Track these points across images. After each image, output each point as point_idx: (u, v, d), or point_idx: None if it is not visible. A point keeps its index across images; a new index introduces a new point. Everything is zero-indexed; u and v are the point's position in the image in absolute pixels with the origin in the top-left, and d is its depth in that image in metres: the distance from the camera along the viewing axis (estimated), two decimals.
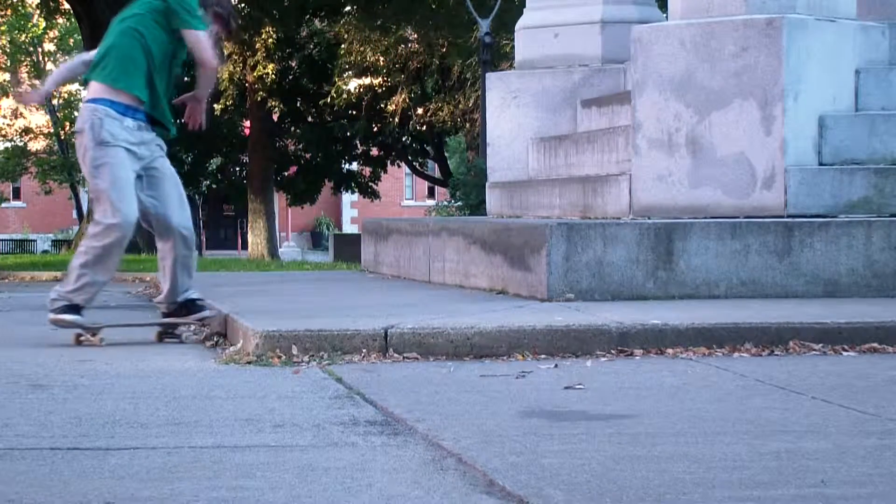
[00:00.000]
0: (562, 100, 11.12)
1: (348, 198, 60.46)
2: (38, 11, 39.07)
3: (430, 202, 56.58)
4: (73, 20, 37.64)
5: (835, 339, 6.36)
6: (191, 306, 7.44)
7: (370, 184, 43.31)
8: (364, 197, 44.73)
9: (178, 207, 7.35)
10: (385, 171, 44.27)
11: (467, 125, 38.74)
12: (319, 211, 62.57)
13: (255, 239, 36.67)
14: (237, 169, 42.33)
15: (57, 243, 49.92)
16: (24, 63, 49.67)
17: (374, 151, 42.47)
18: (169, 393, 5.18)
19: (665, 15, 10.16)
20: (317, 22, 38.30)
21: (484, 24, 27.73)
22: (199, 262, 19.51)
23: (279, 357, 6.07)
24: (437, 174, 45.24)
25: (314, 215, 63.80)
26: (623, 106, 9.68)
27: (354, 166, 43.56)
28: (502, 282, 8.32)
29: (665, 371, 5.70)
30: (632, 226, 7.82)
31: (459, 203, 24.69)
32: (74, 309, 7.13)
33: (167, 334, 7.42)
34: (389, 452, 3.90)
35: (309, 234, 65.60)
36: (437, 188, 54.27)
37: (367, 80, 39.78)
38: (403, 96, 38.45)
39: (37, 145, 50.27)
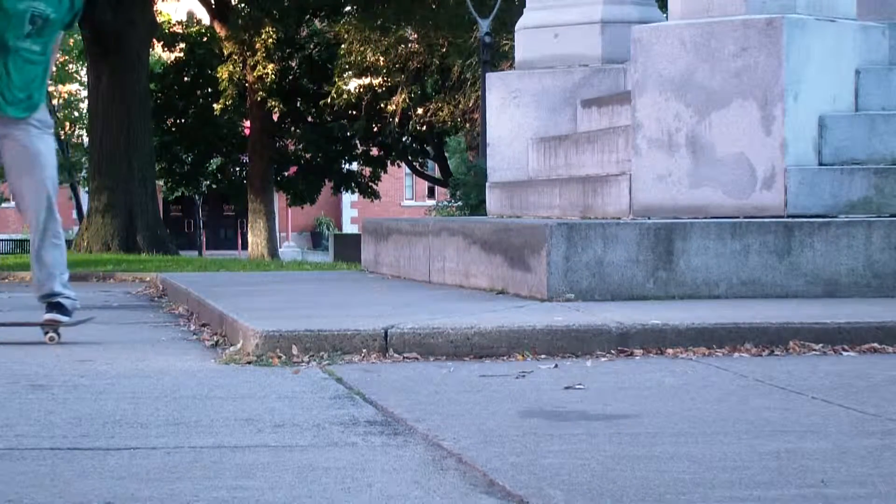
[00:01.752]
0: (562, 100, 11.12)
1: (348, 198, 60.49)
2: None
3: (430, 202, 56.59)
4: None
5: (835, 339, 6.36)
6: (50, 307, 7.16)
7: (370, 184, 43.33)
8: (364, 197, 44.75)
9: (25, 192, 7.07)
10: (385, 171, 44.29)
11: (467, 125, 38.74)
12: (319, 211, 62.58)
13: (255, 239, 36.68)
14: (237, 169, 42.35)
15: None
16: None
17: (374, 151, 42.48)
18: (169, 393, 5.18)
19: (665, 15, 10.15)
20: (317, 22, 38.32)
21: (484, 24, 27.74)
22: (198, 262, 19.35)
23: (279, 357, 6.07)
24: (437, 174, 45.26)
25: (314, 215, 63.81)
26: (623, 106, 9.67)
27: (354, 166, 43.57)
28: (502, 282, 8.32)
29: (665, 371, 5.70)
30: (632, 226, 7.82)
31: (459, 203, 24.70)
32: None
33: (50, 328, 7.14)
34: (389, 452, 3.90)
35: (309, 234, 65.60)
36: (437, 188, 54.31)
37: (367, 80, 39.79)
38: (403, 96, 38.45)
39: None
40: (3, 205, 54.15)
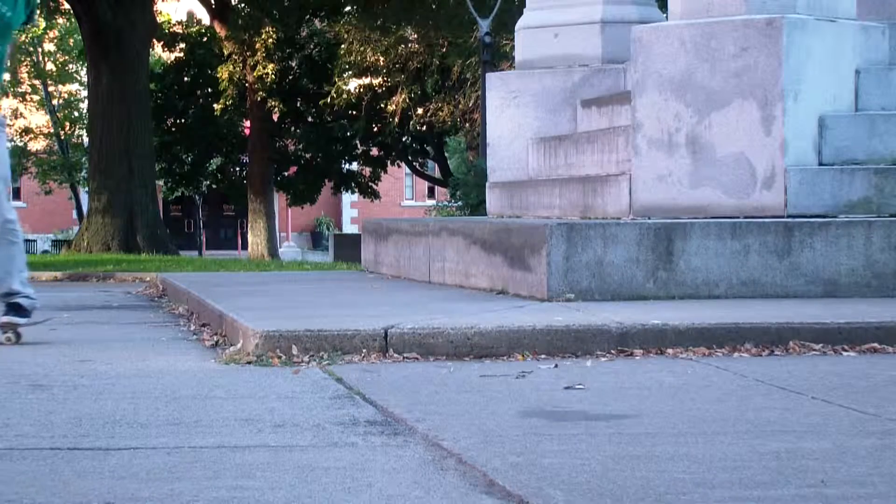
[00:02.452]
0: (562, 100, 11.12)
1: (348, 198, 60.49)
2: (38, 11, 39.05)
3: (430, 202, 56.61)
4: (73, 20, 37.66)
5: (835, 339, 6.36)
6: (8, 308, 7.11)
7: (370, 184, 43.33)
8: (364, 197, 44.75)
9: None
10: (385, 171, 44.29)
11: (467, 125, 38.74)
12: (319, 211, 62.59)
13: (255, 239, 36.69)
14: (237, 169, 42.35)
15: (57, 243, 49.93)
16: (25, 63, 49.68)
17: (374, 151, 42.47)
18: (169, 393, 5.18)
19: (665, 15, 10.15)
20: (317, 22, 38.32)
21: (484, 25, 27.73)
22: (198, 262, 19.31)
23: (279, 357, 6.07)
24: (438, 174, 45.26)
25: (314, 215, 63.82)
26: (623, 106, 9.67)
27: (354, 166, 43.56)
28: (502, 282, 8.32)
29: (665, 371, 5.71)
30: (632, 226, 7.82)
31: (459, 203, 24.70)
32: None
33: (9, 329, 7.12)
34: (389, 452, 3.90)
35: (309, 235, 65.60)
36: (437, 188, 54.31)
37: (367, 80, 39.78)
38: (403, 96, 38.44)
39: (36, 145, 50.29)
40: None
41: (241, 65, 35.51)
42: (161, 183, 41.42)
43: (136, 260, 19.26)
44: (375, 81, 39.69)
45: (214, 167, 42.57)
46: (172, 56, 40.99)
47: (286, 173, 41.56)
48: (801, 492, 3.34)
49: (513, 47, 12.86)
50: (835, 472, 3.57)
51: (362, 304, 7.94)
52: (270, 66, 35.13)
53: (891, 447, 3.92)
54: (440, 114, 38.44)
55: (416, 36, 37.25)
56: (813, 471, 3.58)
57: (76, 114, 49.48)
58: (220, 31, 34.82)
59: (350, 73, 39.02)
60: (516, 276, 8.09)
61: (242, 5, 34.54)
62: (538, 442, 4.03)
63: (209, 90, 39.78)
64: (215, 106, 38.81)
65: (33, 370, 5.89)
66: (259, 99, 36.21)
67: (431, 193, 61.04)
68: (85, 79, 35.91)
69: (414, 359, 6.11)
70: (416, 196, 65.54)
